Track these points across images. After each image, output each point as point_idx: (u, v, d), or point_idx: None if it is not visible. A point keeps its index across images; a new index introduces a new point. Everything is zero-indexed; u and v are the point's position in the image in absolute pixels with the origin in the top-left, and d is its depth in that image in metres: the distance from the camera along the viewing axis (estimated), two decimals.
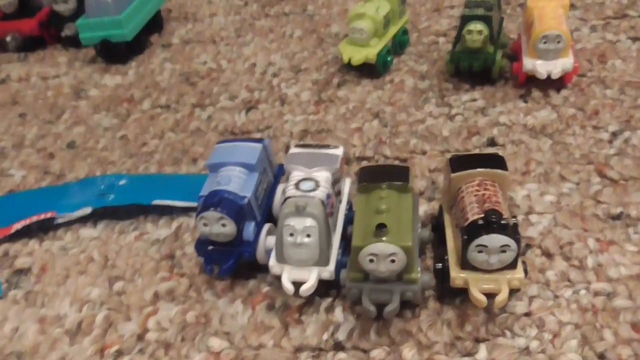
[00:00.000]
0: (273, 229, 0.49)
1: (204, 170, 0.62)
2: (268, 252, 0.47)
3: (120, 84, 0.79)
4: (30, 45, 0.89)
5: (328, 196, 0.45)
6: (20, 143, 0.70)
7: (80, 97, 0.77)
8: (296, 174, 0.47)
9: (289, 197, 0.44)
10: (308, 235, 0.43)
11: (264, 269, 0.48)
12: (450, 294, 0.45)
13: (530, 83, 0.67)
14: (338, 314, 0.45)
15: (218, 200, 0.44)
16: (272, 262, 0.45)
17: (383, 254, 0.40)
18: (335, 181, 0.47)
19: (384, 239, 0.40)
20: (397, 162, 0.60)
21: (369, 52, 0.70)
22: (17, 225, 0.55)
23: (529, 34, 0.66)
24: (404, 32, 0.77)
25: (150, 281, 0.50)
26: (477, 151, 0.60)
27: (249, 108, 0.70)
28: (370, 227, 0.41)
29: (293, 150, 0.49)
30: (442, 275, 0.44)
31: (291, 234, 0.43)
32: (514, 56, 0.72)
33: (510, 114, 0.64)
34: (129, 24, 0.80)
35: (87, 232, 0.56)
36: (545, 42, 0.63)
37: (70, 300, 0.49)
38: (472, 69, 0.68)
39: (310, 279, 0.44)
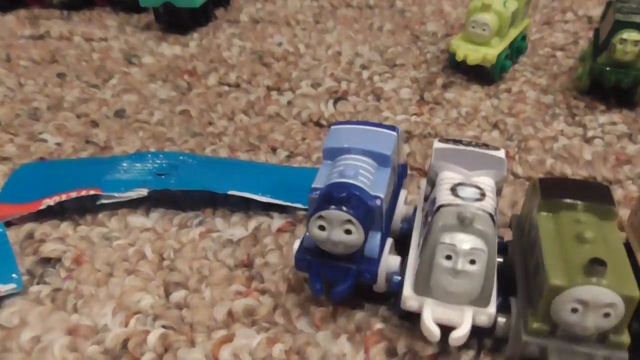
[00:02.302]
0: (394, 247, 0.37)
1: (286, 161, 0.49)
2: (388, 277, 0.35)
3: (180, 55, 0.67)
4: (77, 3, 0.77)
5: (495, 211, 0.33)
6: (58, 105, 0.57)
7: (131, 63, 0.65)
8: (449, 176, 0.34)
9: (444, 205, 0.32)
10: (472, 262, 0.30)
11: (374, 297, 0.36)
12: None
13: None
14: None
15: (347, 197, 0.32)
16: (408, 292, 0.32)
17: (597, 303, 0.27)
18: (498, 191, 0.35)
19: (599, 281, 0.27)
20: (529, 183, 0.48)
21: (489, 53, 0.58)
22: (49, 201, 0.43)
23: None
24: (522, 37, 0.65)
25: (222, 294, 0.37)
26: (630, 182, 0.48)
27: (336, 99, 0.58)
28: (576, 260, 0.28)
29: (438, 145, 0.37)
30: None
31: (448, 256, 0.31)
32: None
33: None
34: None
35: (137, 220, 0.43)
36: None
37: (112, 307, 0.36)
38: (619, 85, 0.56)
39: (465, 323, 0.31)
